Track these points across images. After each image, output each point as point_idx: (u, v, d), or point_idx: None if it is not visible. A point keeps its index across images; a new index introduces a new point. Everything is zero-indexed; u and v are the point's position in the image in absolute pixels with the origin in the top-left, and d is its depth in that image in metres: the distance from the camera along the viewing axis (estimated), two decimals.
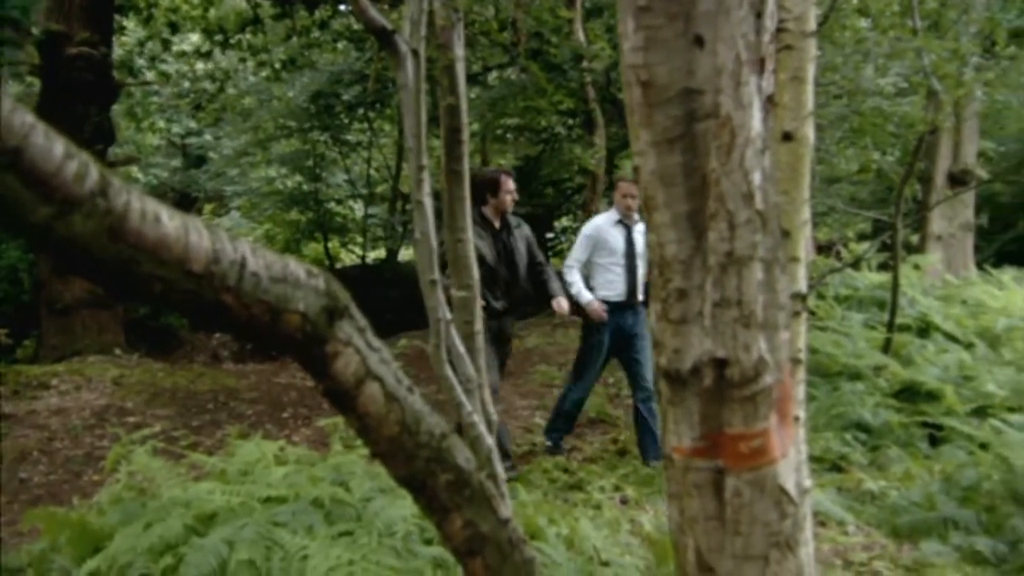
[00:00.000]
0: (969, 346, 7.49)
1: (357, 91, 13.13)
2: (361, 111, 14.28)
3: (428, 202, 2.31)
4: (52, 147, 0.82)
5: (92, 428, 6.39)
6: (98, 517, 3.32)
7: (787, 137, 1.67)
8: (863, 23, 7.53)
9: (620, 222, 5.45)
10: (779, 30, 1.49)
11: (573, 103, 11.22)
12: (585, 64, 10.46)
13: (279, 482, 3.41)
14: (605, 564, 3.30)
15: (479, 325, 2.57)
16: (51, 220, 0.84)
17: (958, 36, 6.58)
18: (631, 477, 5.23)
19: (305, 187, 15.70)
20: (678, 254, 1.27)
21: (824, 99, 7.41)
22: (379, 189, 17.08)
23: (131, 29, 12.62)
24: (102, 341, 9.09)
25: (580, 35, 10.35)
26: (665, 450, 1.38)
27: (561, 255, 16.63)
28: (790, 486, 1.31)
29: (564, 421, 5.82)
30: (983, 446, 5.28)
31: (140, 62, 12.19)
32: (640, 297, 5.41)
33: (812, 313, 7.88)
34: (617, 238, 5.41)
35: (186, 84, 13.65)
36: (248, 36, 11.50)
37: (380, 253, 17.14)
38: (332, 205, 16.47)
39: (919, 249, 11.20)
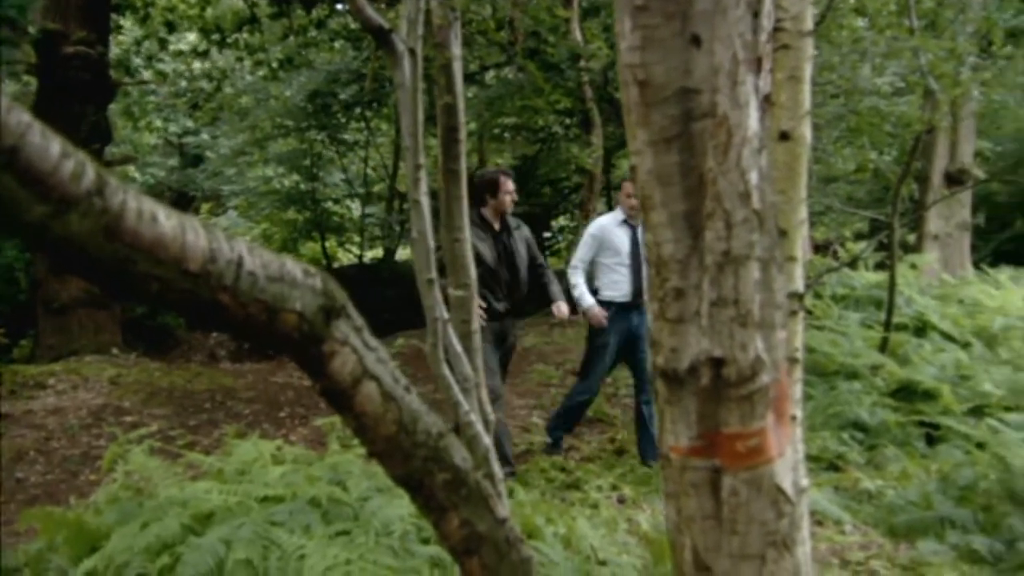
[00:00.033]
0: (966, 345, 7.50)
1: (354, 90, 13.12)
2: (358, 110, 14.28)
3: (425, 201, 2.31)
4: (49, 146, 0.82)
5: (89, 428, 6.38)
6: (95, 517, 3.31)
7: (784, 136, 1.67)
8: (860, 22, 7.54)
9: (625, 222, 5.42)
10: (776, 29, 1.49)
11: (570, 102, 11.21)
12: (582, 63, 10.46)
13: (276, 481, 3.41)
14: (602, 563, 3.31)
15: (476, 324, 2.57)
16: (47, 219, 0.84)
17: (955, 36, 6.58)
18: (628, 476, 5.24)
19: (302, 186, 15.70)
20: (675, 253, 1.27)
21: (821, 98, 7.41)
22: (376, 188, 17.08)
23: (128, 28, 12.61)
24: (99, 341, 9.08)
25: (577, 34, 10.35)
26: (662, 449, 1.38)
27: (559, 255, 16.66)
28: (787, 485, 1.31)
29: (566, 420, 5.81)
30: (980, 445, 5.28)
31: (137, 61, 12.18)
32: (646, 297, 5.39)
33: (809, 312, 7.90)
34: (622, 238, 5.38)
35: (183, 83, 13.63)
36: (245, 35, 11.48)
37: (377, 252, 17.14)
38: (329, 204, 16.47)
39: (916, 248, 11.22)
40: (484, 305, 4.94)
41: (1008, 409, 5.97)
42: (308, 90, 13.28)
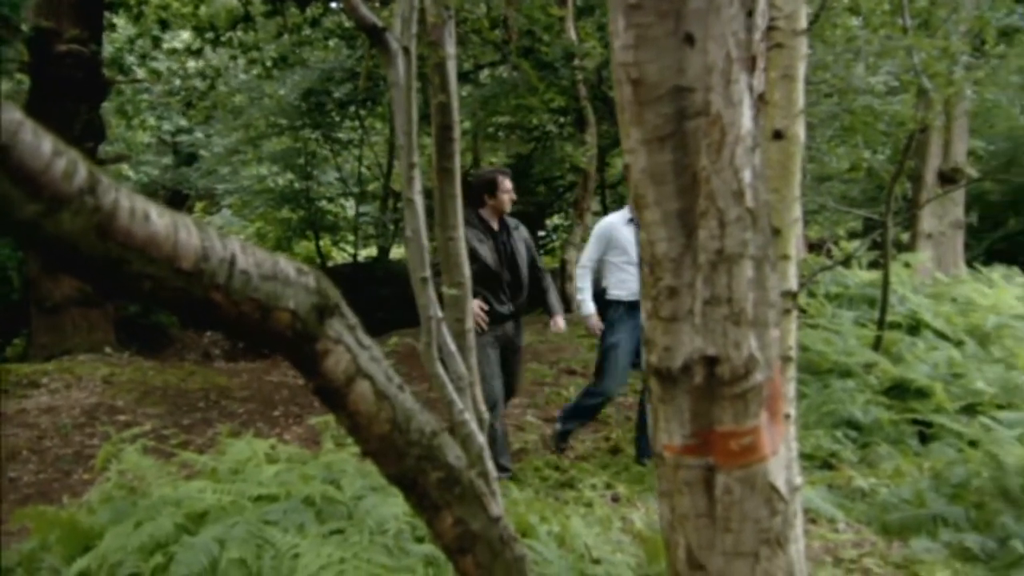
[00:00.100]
0: (959, 344, 7.51)
1: (348, 89, 13.11)
2: (352, 109, 14.26)
3: (419, 200, 2.31)
4: (40, 144, 0.82)
5: (82, 427, 6.37)
6: (88, 516, 3.31)
7: (778, 135, 1.67)
8: (854, 21, 7.56)
9: (632, 221, 5.39)
10: (770, 28, 1.49)
11: (564, 101, 11.22)
12: (576, 62, 10.46)
13: (270, 480, 3.40)
14: (596, 562, 3.31)
15: (471, 323, 2.57)
16: (39, 217, 0.83)
17: (948, 35, 6.60)
18: (623, 475, 5.24)
19: (296, 185, 15.68)
20: (668, 252, 1.27)
21: (815, 97, 7.42)
22: (370, 187, 17.06)
23: (121, 26, 12.57)
24: (92, 339, 9.06)
25: (571, 33, 10.36)
26: (656, 448, 1.38)
27: (553, 253, 16.65)
28: (780, 483, 1.31)
29: (575, 417, 5.77)
30: (972, 443, 5.29)
31: (130, 59, 12.13)
32: None
33: (803, 311, 7.90)
34: (629, 237, 5.32)
35: (177, 82, 13.59)
36: (239, 34, 11.46)
37: (372, 251, 17.13)
38: (323, 203, 16.46)
39: (909, 247, 11.24)
40: (486, 308, 4.92)
41: (1000, 407, 5.98)
42: (302, 88, 13.26)
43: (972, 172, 11.68)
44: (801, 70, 1.70)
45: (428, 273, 2.32)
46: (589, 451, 5.88)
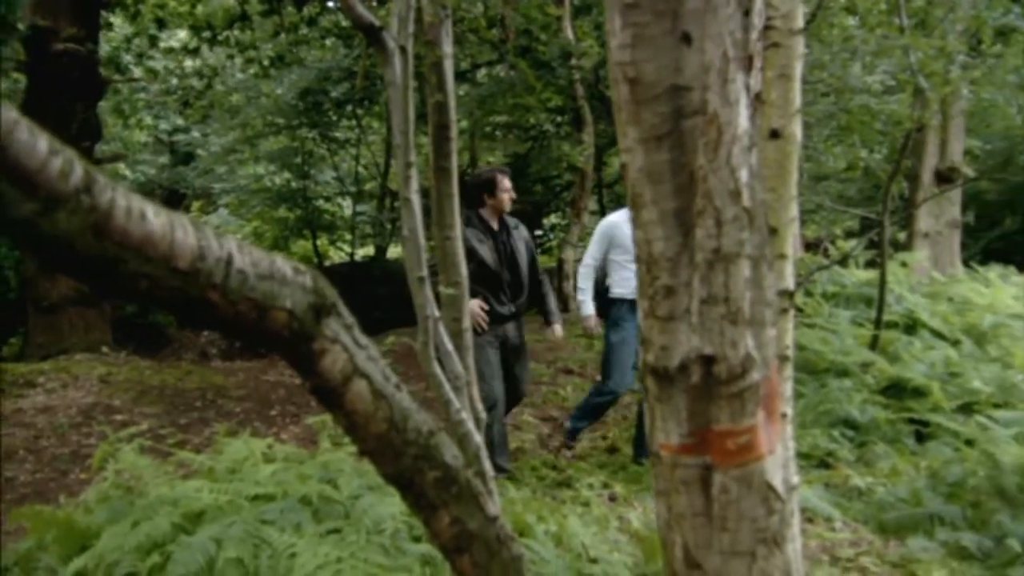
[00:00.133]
0: (955, 343, 7.53)
1: (345, 88, 13.09)
2: (349, 108, 14.24)
3: (416, 199, 2.31)
4: (36, 143, 0.81)
5: (79, 426, 6.36)
6: (85, 516, 3.30)
7: (775, 134, 1.67)
8: (850, 21, 7.56)
9: None
10: (767, 28, 1.49)
11: (562, 100, 11.21)
12: (574, 61, 10.46)
13: (267, 480, 3.40)
14: (593, 561, 3.31)
15: (467, 322, 2.57)
16: (35, 216, 0.83)
17: (945, 34, 6.60)
18: (620, 474, 5.25)
19: (293, 184, 15.65)
20: (665, 251, 1.27)
21: (811, 97, 7.43)
22: (367, 186, 17.03)
23: (118, 25, 12.54)
24: (89, 339, 9.04)
25: (569, 32, 10.35)
26: (653, 447, 1.38)
27: (550, 252, 16.65)
28: (777, 482, 1.31)
29: (585, 416, 5.76)
30: (969, 442, 5.31)
31: (127, 58, 12.10)
32: None
33: (800, 310, 7.91)
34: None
35: (174, 81, 13.56)
36: (236, 33, 11.43)
37: (369, 250, 17.10)
38: (320, 202, 16.42)
39: (906, 246, 11.26)
40: (486, 308, 4.90)
41: (997, 406, 6.00)
42: (299, 88, 13.24)
43: (969, 171, 11.70)
44: (798, 69, 1.70)
45: (425, 272, 2.31)
46: (586, 450, 5.89)
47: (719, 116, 1.21)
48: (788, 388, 1.59)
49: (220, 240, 1.01)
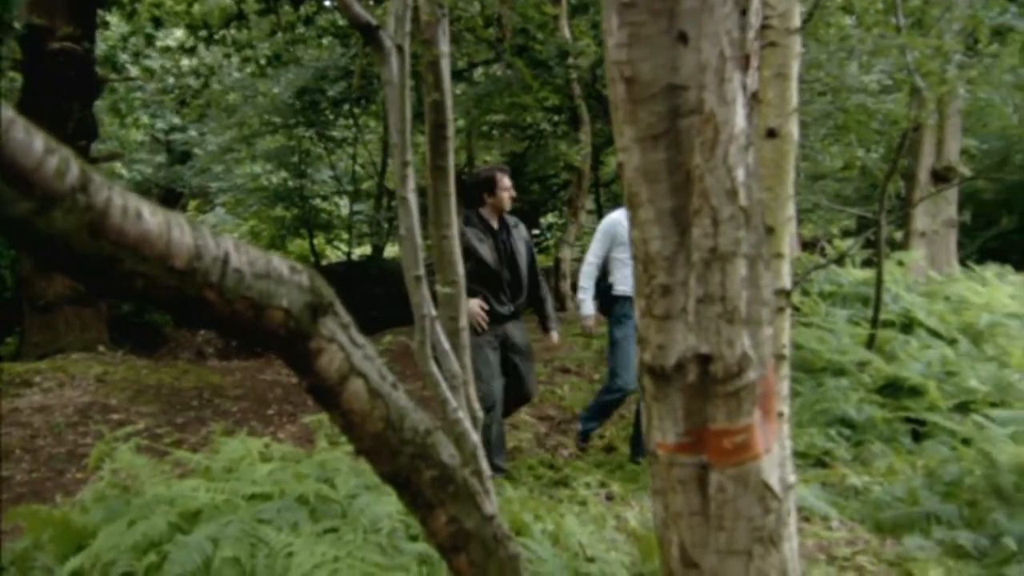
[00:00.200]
0: (952, 342, 7.54)
1: (342, 87, 13.08)
2: (346, 107, 14.23)
3: (413, 198, 2.30)
4: (32, 142, 0.81)
5: (75, 426, 6.35)
6: (81, 515, 3.30)
7: (771, 134, 1.67)
8: (847, 20, 7.58)
9: None
10: (763, 27, 1.49)
11: (558, 99, 11.22)
12: (570, 60, 10.46)
13: (264, 479, 3.40)
14: (590, 560, 3.31)
15: (464, 321, 2.57)
16: (31, 216, 0.83)
17: (941, 34, 6.61)
18: (617, 473, 5.25)
19: (290, 183, 15.63)
20: (662, 250, 1.27)
21: (808, 96, 7.44)
22: (364, 185, 17.02)
23: (115, 24, 12.53)
24: (85, 338, 9.03)
25: (565, 31, 10.36)
26: (649, 446, 1.38)
27: (547, 251, 16.65)
28: (774, 481, 1.32)
29: (596, 416, 5.76)
30: (965, 441, 5.31)
31: (124, 57, 12.09)
32: None
33: (796, 309, 7.92)
34: None
35: (170, 80, 13.54)
36: (233, 32, 11.42)
37: (366, 249, 17.08)
38: (317, 201, 16.40)
39: (903, 246, 11.28)
40: (486, 308, 4.88)
41: (993, 405, 6.00)
42: (296, 87, 13.23)
43: (965, 171, 11.72)
44: (795, 69, 1.70)
45: (422, 271, 2.31)
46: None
47: (716, 115, 1.21)
48: (784, 387, 1.59)
49: (216, 239, 1.01)
